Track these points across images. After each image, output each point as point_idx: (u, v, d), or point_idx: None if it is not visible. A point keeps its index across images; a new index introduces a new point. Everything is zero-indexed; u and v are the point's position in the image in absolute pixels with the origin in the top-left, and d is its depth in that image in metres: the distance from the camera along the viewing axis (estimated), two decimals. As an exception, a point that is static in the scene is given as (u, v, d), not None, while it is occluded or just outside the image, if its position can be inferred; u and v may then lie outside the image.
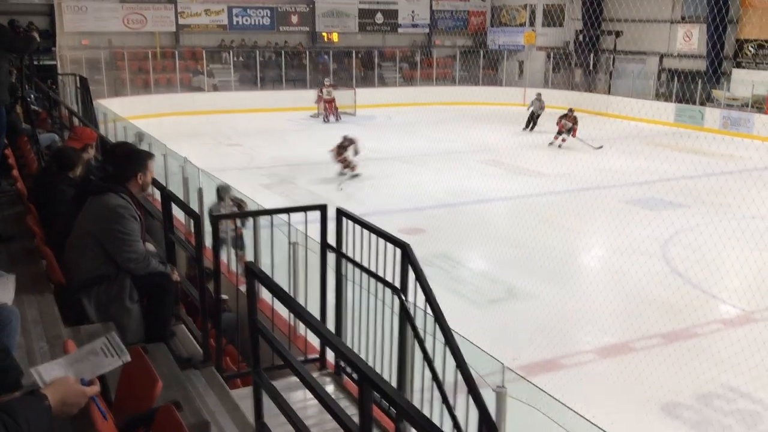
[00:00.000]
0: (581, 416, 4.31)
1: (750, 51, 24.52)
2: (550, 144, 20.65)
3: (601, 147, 19.87)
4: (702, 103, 24.61)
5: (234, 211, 8.23)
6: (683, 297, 9.26)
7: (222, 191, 8.84)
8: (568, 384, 6.98)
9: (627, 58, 28.57)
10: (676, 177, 15.93)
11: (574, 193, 15.13)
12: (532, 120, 23.59)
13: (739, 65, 24.89)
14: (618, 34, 28.47)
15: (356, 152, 15.89)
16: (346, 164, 15.84)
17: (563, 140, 20.68)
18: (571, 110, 21.15)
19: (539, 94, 24.05)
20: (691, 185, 14.89)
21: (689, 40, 26.29)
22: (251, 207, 8.49)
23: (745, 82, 24.20)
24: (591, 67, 28.96)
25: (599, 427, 4.29)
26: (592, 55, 28.80)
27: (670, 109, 24.73)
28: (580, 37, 29.30)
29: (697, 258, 10.91)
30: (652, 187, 15.36)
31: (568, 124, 20.73)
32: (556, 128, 20.75)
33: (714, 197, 14.11)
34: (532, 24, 31.10)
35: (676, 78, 25.55)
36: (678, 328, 8.21)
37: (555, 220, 12.95)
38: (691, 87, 24.56)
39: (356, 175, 15.77)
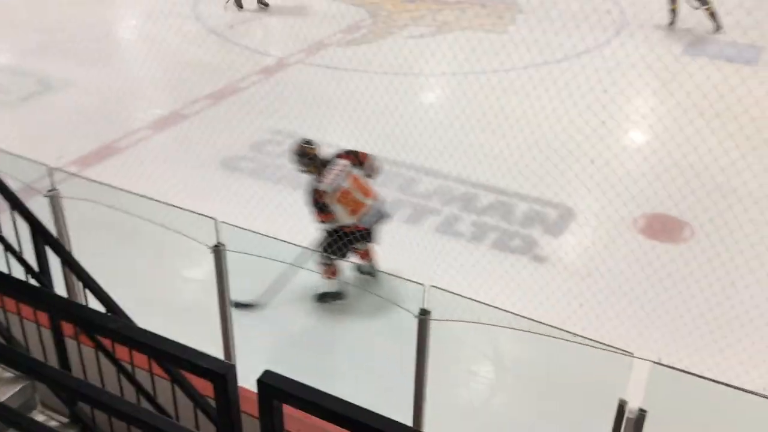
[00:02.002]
0: (143, 196, 4.23)
1: None
2: None
3: None
4: None
5: None
6: (221, 55, 9.46)
7: None
8: (127, 166, 6.81)
9: None
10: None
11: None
12: None
13: None
14: None
15: None
16: None
17: None
18: None
19: None
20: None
21: None
22: None
23: None
24: None
25: (166, 202, 4.30)
26: None
27: None
28: None
29: (226, 12, 11.08)
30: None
31: None
32: None
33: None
34: None
35: None
36: (222, 86, 8.44)
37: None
38: None
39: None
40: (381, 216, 5.08)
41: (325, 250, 4.89)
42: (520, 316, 4.59)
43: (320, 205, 4.82)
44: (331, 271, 5.02)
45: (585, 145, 7.14)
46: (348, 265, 5.20)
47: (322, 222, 4.91)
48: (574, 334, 4.51)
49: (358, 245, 5.03)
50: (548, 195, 6.46)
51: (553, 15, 9.86)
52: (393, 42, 10.29)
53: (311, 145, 4.96)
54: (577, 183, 6.68)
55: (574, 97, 6.70)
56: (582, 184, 6.65)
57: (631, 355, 3.86)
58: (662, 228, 6.08)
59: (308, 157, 4.92)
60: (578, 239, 5.97)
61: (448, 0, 12.21)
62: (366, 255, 5.26)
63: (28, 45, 9.66)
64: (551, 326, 4.64)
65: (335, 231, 4.89)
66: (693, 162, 6.86)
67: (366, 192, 4.96)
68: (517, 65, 8.79)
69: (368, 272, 5.35)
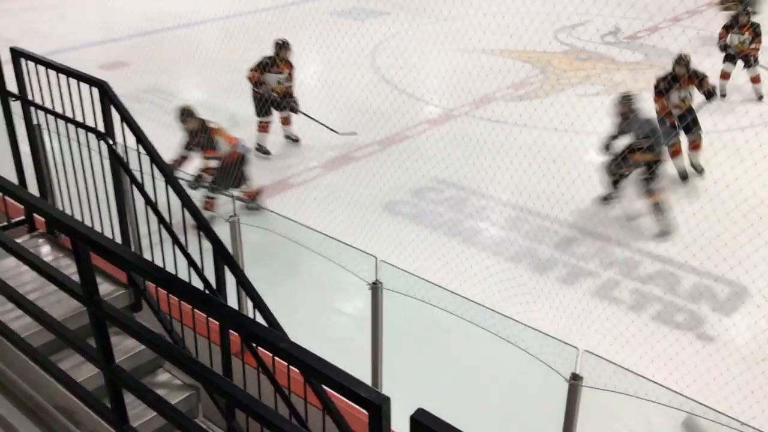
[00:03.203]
0: (312, 229, 4.48)
1: None
2: None
3: None
4: None
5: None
6: (392, 103, 9.83)
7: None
8: (299, 201, 7.22)
9: None
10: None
11: (282, 9, 14.79)
12: None
13: None
14: None
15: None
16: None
17: None
18: None
19: None
20: (390, -8, 15.35)
21: None
22: None
23: None
24: None
25: (331, 237, 4.51)
26: None
27: None
28: None
29: (402, 64, 11.54)
30: (355, -3, 15.56)
31: None
32: None
33: (412, 2, 14.75)
34: None
35: None
36: (391, 134, 8.75)
37: (267, 39, 12.62)
38: None
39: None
40: (246, 152, 6.95)
41: (211, 186, 6.55)
42: (681, 394, 4.29)
43: (209, 140, 6.61)
44: (210, 204, 6.69)
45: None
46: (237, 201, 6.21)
47: (209, 158, 6.64)
48: (741, 422, 4.14)
49: (243, 186, 6.82)
50: (721, 270, 6.02)
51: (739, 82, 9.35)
52: (563, 99, 10.19)
53: (191, 109, 6.75)
54: (757, 259, 6.19)
55: (761, 166, 6.27)
56: (762, 261, 6.15)
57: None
58: None
59: (188, 115, 6.72)
60: (753, 320, 5.49)
61: (622, 60, 11.94)
62: (251, 194, 6.86)
63: (219, 84, 10.59)
64: (716, 410, 4.29)
65: (222, 169, 6.64)
66: None
67: (231, 139, 6.85)
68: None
69: (254, 207, 6.78)
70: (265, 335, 2.30)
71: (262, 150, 8.32)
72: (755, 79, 9.78)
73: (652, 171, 6.53)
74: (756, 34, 9.62)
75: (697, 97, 7.58)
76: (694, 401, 4.39)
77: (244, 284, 3.45)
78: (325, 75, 11.29)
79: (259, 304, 3.33)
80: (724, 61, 9.84)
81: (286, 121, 8.57)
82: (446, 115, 9.63)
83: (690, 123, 7.37)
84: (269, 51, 8.91)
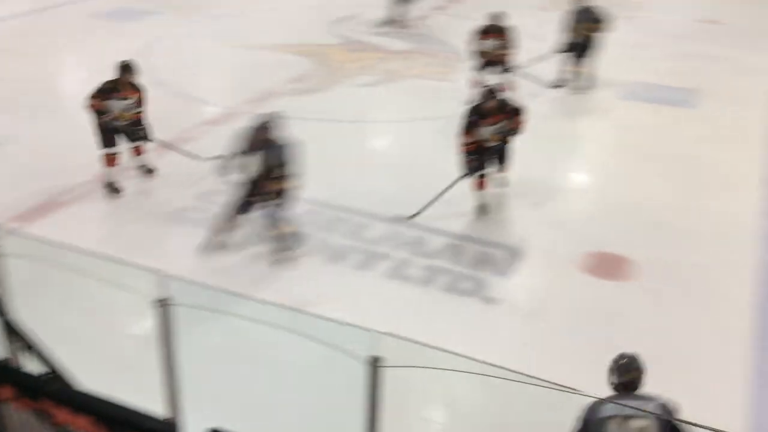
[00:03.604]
0: (85, 252, 4.19)
1: None
2: None
3: None
4: None
5: None
6: (170, 105, 9.44)
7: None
8: (72, 221, 6.70)
9: None
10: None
11: (34, 14, 13.59)
12: None
13: None
14: None
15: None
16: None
17: None
18: None
19: None
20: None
21: None
22: None
23: None
24: None
25: (109, 257, 4.24)
26: None
27: None
28: None
29: (176, 64, 11.13)
30: (119, -2, 14.70)
31: None
32: None
33: (182, 0, 14.27)
34: None
35: None
36: (169, 138, 8.37)
37: (17, 49, 11.52)
38: None
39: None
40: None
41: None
42: (471, 358, 4.62)
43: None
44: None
45: (533, 187, 7.35)
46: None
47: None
48: (523, 374, 4.55)
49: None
50: (498, 237, 6.58)
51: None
52: (342, 91, 10.45)
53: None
54: (526, 224, 6.84)
55: (521, 141, 6.93)
56: (530, 225, 6.81)
57: (579, 393, 3.90)
58: (608, 266, 6.23)
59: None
60: (526, 279, 6.07)
61: (395, 49, 12.50)
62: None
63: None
64: (501, 368, 4.68)
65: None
66: (637, 201, 7.11)
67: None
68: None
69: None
70: (38, 384, 2.13)
71: (112, 188, 7.18)
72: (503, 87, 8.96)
73: (281, 200, 6.07)
74: (505, 40, 9.34)
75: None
76: (482, 362, 4.76)
77: (12, 326, 3.14)
78: (91, 82, 10.54)
79: (32, 346, 3.05)
80: (478, 68, 9.56)
81: (138, 151, 7.47)
82: (227, 114, 9.44)
83: (500, 154, 6.90)
84: (26, 62, 8.11)
